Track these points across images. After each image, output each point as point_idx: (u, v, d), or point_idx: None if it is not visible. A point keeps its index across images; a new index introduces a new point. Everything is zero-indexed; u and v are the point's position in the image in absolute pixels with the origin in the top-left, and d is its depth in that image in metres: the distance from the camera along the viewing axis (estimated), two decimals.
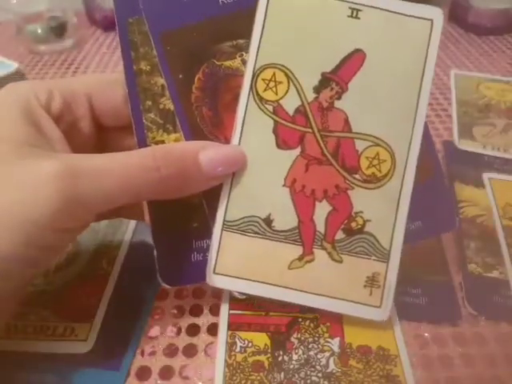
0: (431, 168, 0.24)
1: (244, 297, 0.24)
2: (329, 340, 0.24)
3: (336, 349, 0.23)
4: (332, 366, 0.23)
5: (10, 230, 0.17)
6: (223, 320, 0.25)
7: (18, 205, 0.17)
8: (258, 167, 0.22)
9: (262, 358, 0.23)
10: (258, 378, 0.22)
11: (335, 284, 0.22)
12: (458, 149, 0.37)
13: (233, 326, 0.24)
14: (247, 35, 0.21)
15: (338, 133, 0.22)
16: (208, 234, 0.22)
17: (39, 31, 0.53)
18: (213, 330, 0.25)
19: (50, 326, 0.24)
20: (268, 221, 0.22)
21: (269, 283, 0.22)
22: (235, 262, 0.22)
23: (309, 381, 0.22)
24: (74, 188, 0.17)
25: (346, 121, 0.22)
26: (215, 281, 0.22)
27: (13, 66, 0.45)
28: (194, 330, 0.25)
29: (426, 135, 0.23)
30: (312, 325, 0.24)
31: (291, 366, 0.23)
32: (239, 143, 0.22)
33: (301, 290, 0.22)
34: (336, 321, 0.25)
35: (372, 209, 0.22)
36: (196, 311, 0.26)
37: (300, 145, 0.22)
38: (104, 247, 0.29)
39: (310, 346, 0.23)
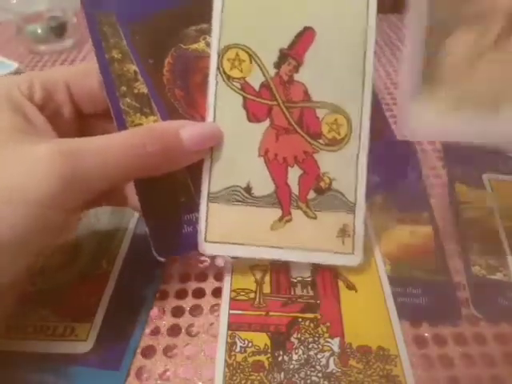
0: (383, 128, 0.27)
1: (235, 259, 0.27)
2: (329, 340, 0.24)
3: (336, 349, 0.23)
4: (332, 366, 0.23)
5: (13, 212, 0.17)
6: (223, 320, 0.25)
7: (20, 187, 0.17)
8: (234, 141, 0.24)
9: (262, 358, 0.23)
10: (258, 378, 0.22)
11: (313, 238, 0.25)
12: (458, 149, 0.37)
13: (233, 326, 0.24)
14: (209, 19, 0.23)
15: (300, 103, 0.24)
16: (195, 207, 0.24)
17: (39, 31, 0.53)
18: (213, 330, 0.25)
19: (49, 326, 0.24)
20: (248, 189, 0.24)
21: (255, 244, 0.24)
22: (223, 230, 0.24)
23: (309, 381, 0.22)
24: (73, 167, 0.18)
25: (306, 92, 0.24)
26: (207, 248, 0.24)
27: (13, 65, 0.45)
28: (193, 330, 0.25)
29: (376, 100, 0.25)
30: (312, 325, 0.24)
31: (291, 366, 0.23)
32: (214, 120, 0.23)
33: (284, 248, 0.24)
34: (336, 321, 0.25)
35: (336, 168, 0.25)
36: (196, 311, 0.26)
37: (268, 117, 0.24)
38: (104, 247, 0.29)
39: (310, 346, 0.23)
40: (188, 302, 0.26)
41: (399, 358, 0.23)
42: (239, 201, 0.24)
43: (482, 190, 0.33)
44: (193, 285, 0.27)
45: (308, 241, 0.25)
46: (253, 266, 0.27)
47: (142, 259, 0.28)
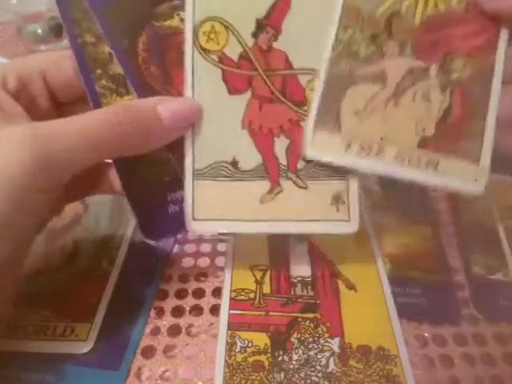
0: None
1: (226, 237, 0.27)
2: (329, 340, 0.24)
3: (336, 349, 0.23)
4: (332, 366, 0.23)
5: None
6: (223, 320, 0.25)
7: None
8: (215, 115, 0.23)
9: (262, 357, 0.23)
10: (258, 377, 0.22)
11: (305, 208, 0.24)
12: None
13: (233, 326, 0.24)
14: None
15: (281, 71, 0.23)
16: (180, 185, 0.24)
17: (39, 31, 0.53)
18: (213, 330, 0.25)
19: (50, 326, 0.24)
20: (234, 163, 0.23)
21: (245, 220, 0.23)
22: (211, 207, 0.23)
23: (309, 381, 0.22)
24: (44, 147, 0.18)
25: (287, 59, 0.23)
26: (195, 227, 0.24)
27: None
28: (193, 330, 0.25)
29: None
30: (312, 325, 0.24)
31: (291, 366, 0.23)
32: (193, 96, 0.23)
33: (275, 220, 0.24)
34: (336, 321, 0.25)
35: None
36: (196, 311, 0.26)
37: (250, 88, 0.23)
38: (104, 247, 0.29)
39: (310, 346, 0.23)
40: (188, 302, 0.26)
41: (399, 357, 0.23)
42: (226, 176, 0.23)
43: None
44: (193, 285, 0.27)
45: (300, 211, 0.24)
46: (253, 265, 0.27)
47: (142, 259, 0.28)
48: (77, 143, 0.19)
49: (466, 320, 0.25)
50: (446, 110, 0.22)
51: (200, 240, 0.30)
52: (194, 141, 0.23)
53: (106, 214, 0.31)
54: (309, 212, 0.24)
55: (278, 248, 0.29)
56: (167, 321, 0.25)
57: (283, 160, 0.24)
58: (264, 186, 0.24)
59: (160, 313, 0.26)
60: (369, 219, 0.30)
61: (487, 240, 0.30)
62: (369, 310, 0.25)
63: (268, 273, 0.27)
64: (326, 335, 0.24)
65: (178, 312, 0.26)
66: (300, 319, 0.25)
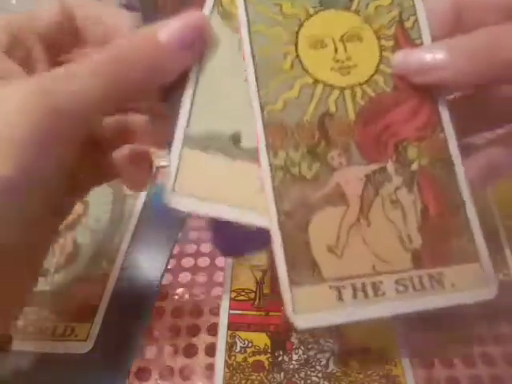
0: None
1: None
2: (329, 340, 0.24)
3: (336, 349, 0.23)
4: (332, 366, 0.23)
5: None
6: (223, 320, 0.25)
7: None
8: (226, 77, 0.19)
9: (262, 358, 0.23)
10: (258, 378, 0.22)
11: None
12: None
13: (233, 326, 0.24)
14: None
15: None
16: None
17: None
18: (213, 329, 0.25)
19: (50, 326, 0.24)
20: (235, 138, 0.19)
21: (238, 206, 0.19)
22: (197, 182, 0.19)
23: (309, 381, 0.22)
24: (50, 98, 0.17)
25: None
26: (173, 200, 0.19)
27: None
28: (194, 329, 0.25)
29: None
30: None
31: (291, 366, 0.23)
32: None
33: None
34: None
35: None
36: (196, 311, 0.26)
37: None
38: (104, 247, 0.29)
39: (309, 346, 0.24)
40: (188, 302, 0.26)
41: (399, 357, 0.23)
42: (221, 151, 0.19)
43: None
44: (193, 284, 0.27)
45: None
46: (253, 266, 0.27)
47: (143, 259, 0.28)
48: (81, 93, 0.17)
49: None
50: (422, 210, 0.19)
51: (200, 240, 0.30)
52: (194, 100, 0.19)
53: (106, 214, 0.31)
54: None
55: None
56: (167, 321, 0.25)
57: None
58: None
59: (160, 313, 0.26)
60: None
61: (488, 239, 0.29)
62: None
63: (268, 273, 0.27)
64: (326, 335, 0.24)
65: (178, 312, 0.26)
66: None
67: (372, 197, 0.19)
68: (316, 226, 0.18)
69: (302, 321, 0.17)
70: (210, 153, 0.19)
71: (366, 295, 0.18)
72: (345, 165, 0.19)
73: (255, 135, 0.19)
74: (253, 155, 0.19)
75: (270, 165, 0.18)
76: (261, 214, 0.18)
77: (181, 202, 0.19)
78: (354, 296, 0.18)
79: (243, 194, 0.19)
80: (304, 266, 0.18)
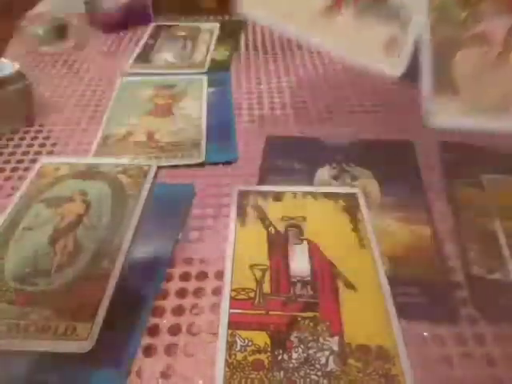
0: None
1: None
2: (328, 339, 0.24)
3: (335, 348, 0.24)
4: (331, 365, 0.23)
5: None
6: (223, 319, 0.25)
7: None
8: None
9: (262, 356, 0.23)
10: (258, 376, 0.22)
11: (358, 38, 0.25)
12: (457, 150, 0.37)
13: (233, 325, 0.24)
14: None
15: None
16: None
17: (40, 32, 0.53)
18: (213, 329, 0.25)
19: (51, 325, 0.24)
20: None
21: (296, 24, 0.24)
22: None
23: (308, 379, 0.22)
24: None
25: None
26: (245, 13, 0.25)
27: (13, 66, 0.45)
28: (194, 329, 0.25)
29: None
30: (311, 324, 0.25)
31: (291, 365, 0.23)
32: None
33: (327, 36, 0.25)
34: (335, 320, 0.25)
35: None
36: (196, 310, 0.26)
37: None
38: (105, 246, 0.29)
39: (309, 345, 0.24)
40: (188, 301, 0.26)
41: (398, 357, 0.23)
42: None
43: (481, 190, 0.33)
44: (193, 284, 0.27)
45: (354, 37, 0.25)
46: (253, 265, 0.28)
47: (143, 259, 0.29)
48: None
49: (465, 320, 0.25)
50: None
51: (200, 240, 0.30)
52: None
53: (107, 214, 0.31)
54: (361, 42, 0.25)
55: (278, 247, 0.29)
56: (168, 320, 0.25)
57: None
58: (327, 1, 0.24)
59: (161, 312, 0.26)
60: (368, 219, 0.31)
61: (486, 240, 0.30)
62: (368, 309, 0.25)
63: (268, 272, 0.27)
64: (326, 334, 0.24)
65: (178, 311, 0.26)
66: (300, 318, 0.25)
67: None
68: (461, 57, 0.23)
69: (437, 121, 0.23)
70: None
71: (493, 114, 0.23)
72: (491, 15, 0.22)
73: None
74: None
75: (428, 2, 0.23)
76: None
77: (249, 14, 0.25)
78: (484, 113, 0.23)
79: (303, 14, 0.24)
80: (446, 83, 0.23)
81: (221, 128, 0.40)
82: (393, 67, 0.25)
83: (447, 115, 0.23)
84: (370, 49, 0.25)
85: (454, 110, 0.23)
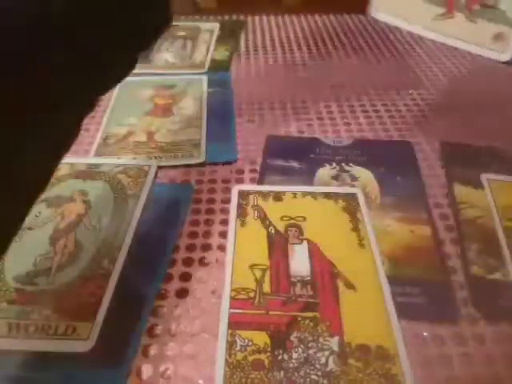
0: None
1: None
2: (328, 339, 0.24)
3: (335, 347, 0.24)
4: (331, 365, 0.23)
5: None
6: (223, 319, 0.25)
7: None
8: None
9: (262, 356, 0.23)
10: (258, 376, 0.22)
11: (469, 34, 0.34)
12: (457, 149, 0.37)
13: (233, 325, 0.24)
14: None
15: None
16: None
17: None
18: (213, 329, 0.25)
19: (51, 325, 0.24)
20: None
21: (416, 25, 0.36)
22: (396, 6, 0.35)
23: (308, 379, 0.22)
24: None
25: None
26: (375, 15, 0.37)
27: None
28: (194, 328, 0.25)
29: None
30: (311, 324, 0.25)
31: (291, 365, 0.23)
32: None
33: (440, 33, 0.35)
34: (335, 320, 0.25)
35: None
36: (196, 310, 0.26)
37: None
38: (105, 246, 0.29)
39: (309, 345, 0.24)
40: (188, 301, 0.26)
41: (398, 357, 0.23)
42: None
43: (481, 190, 0.33)
44: (193, 284, 0.27)
45: (465, 34, 0.33)
46: (253, 265, 0.28)
47: (144, 259, 0.29)
48: None
49: (465, 320, 0.26)
50: None
51: (200, 239, 0.30)
52: None
53: (107, 214, 0.31)
54: (471, 37, 0.34)
55: (278, 247, 0.29)
56: (168, 320, 0.25)
57: (462, 0, 0.33)
58: (439, 10, 0.35)
59: (161, 312, 0.26)
60: (368, 219, 0.31)
61: (486, 240, 0.30)
62: (368, 309, 0.25)
63: (268, 272, 0.27)
64: (326, 334, 0.24)
65: (178, 311, 0.26)
66: (299, 318, 0.25)
67: None
68: None
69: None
70: None
71: None
72: None
73: None
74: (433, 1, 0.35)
75: None
76: None
77: (381, 17, 0.36)
78: None
79: (422, 19, 0.35)
80: None
81: (221, 128, 0.40)
82: (501, 54, 0.34)
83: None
84: (481, 41, 0.33)
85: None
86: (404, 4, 0.34)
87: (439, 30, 0.35)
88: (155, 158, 0.37)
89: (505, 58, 0.34)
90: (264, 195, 0.33)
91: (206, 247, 0.30)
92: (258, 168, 0.36)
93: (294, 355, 0.23)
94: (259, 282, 0.27)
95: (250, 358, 0.23)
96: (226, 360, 0.23)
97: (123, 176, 0.34)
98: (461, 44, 0.34)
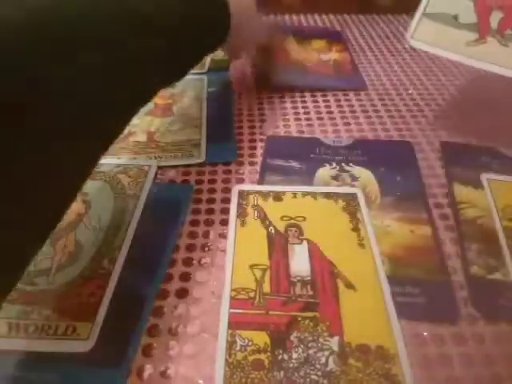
0: None
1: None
2: (328, 339, 0.24)
3: (335, 347, 0.24)
4: (331, 365, 0.23)
5: None
6: (223, 319, 0.25)
7: None
8: None
9: (262, 356, 0.23)
10: (258, 376, 0.22)
11: (502, 58, 0.34)
12: (457, 149, 0.37)
13: (233, 325, 0.24)
14: None
15: None
16: None
17: None
18: (213, 329, 0.25)
19: (51, 325, 0.24)
20: (455, 17, 0.35)
21: (452, 51, 0.36)
22: (428, 36, 0.36)
23: (308, 379, 0.22)
24: None
25: None
26: (414, 43, 0.37)
27: None
28: (194, 328, 0.25)
29: None
30: (311, 324, 0.25)
31: (291, 365, 0.23)
32: None
33: (475, 58, 0.35)
34: (335, 320, 0.25)
35: None
36: (197, 310, 0.26)
37: None
38: (105, 247, 0.29)
39: (309, 345, 0.24)
40: (188, 301, 0.26)
41: (398, 356, 0.23)
42: (445, 22, 0.35)
43: (481, 190, 0.33)
44: (193, 284, 0.27)
45: (498, 59, 0.34)
46: (253, 265, 0.28)
47: (144, 259, 0.29)
48: None
49: (465, 319, 0.26)
50: None
51: (200, 239, 0.30)
52: None
53: (107, 213, 0.31)
54: (504, 61, 0.34)
55: (278, 247, 0.29)
56: (168, 320, 0.25)
57: (494, 26, 0.34)
58: (473, 36, 0.35)
59: (161, 312, 0.26)
60: (368, 219, 0.31)
61: (486, 240, 0.30)
62: (368, 309, 0.25)
63: (268, 272, 0.27)
64: (326, 334, 0.24)
65: (178, 311, 0.26)
66: (299, 318, 0.25)
67: None
68: None
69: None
70: (437, 22, 0.36)
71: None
72: None
73: (468, 17, 0.35)
74: (465, 27, 0.35)
75: None
76: None
77: (418, 45, 0.37)
78: None
79: (456, 45, 0.35)
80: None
81: (221, 128, 0.40)
82: None
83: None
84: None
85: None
86: (438, 31, 0.36)
87: (472, 56, 0.35)
88: (155, 158, 0.37)
89: None
90: (264, 195, 0.33)
91: (206, 247, 0.30)
92: (258, 168, 0.36)
93: (294, 355, 0.23)
94: (259, 282, 0.27)
95: (250, 358, 0.23)
96: (226, 360, 0.23)
97: (123, 176, 0.34)
98: (494, 68, 0.35)
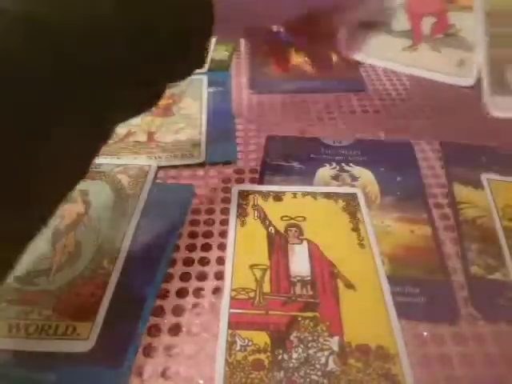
0: None
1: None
2: (328, 339, 0.24)
3: (335, 347, 0.24)
4: (331, 365, 0.23)
5: None
6: (223, 319, 0.25)
7: None
8: None
9: (262, 356, 0.23)
10: (258, 376, 0.22)
11: (435, 63, 0.36)
12: (457, 149, 0.37)
13: (233, 325, 0.24)
14: None
15: None
16: None
17: None
18: (213, 329, 0.25)
19: (51, 325, 0.24)
20: (388, 24, 0.37)
21: (388, 59, 0.38)
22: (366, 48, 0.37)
23: (308, 379, 0.22)
24: None
25: None
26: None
27: None
28: (194, 328, 0.25)
29: None
30: (311, 324, 0.25)
31: (291, 365, 0.23)
32: None
33: (409, 65, 0.37)
34: (335, 320, 0.25)
35: (462, 22, 0.36)
36: (197, 310, 0.26)
37: None
38: (105, 247, 0.29)
39: (309, 345, 0.24)
40: (188, 301, 0.26)
41: (398, 356, 0.23)
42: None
43: (481, 190, 0.33)
44: (193, 284, 0.27)
45: (431, 64, 0.36)
46: (253, 265, 0.28)
47: (144, 258, 0.29)
48: None
49: (465, 319, 0.26)
50: None
51: (200, 239, 0.30)
52: None
53: (107, 213, 0.31)
54: (437, 66, 0.36)
55: (278, 247, 0.29)
56: (168, 320, 0.25)
57: (427, 32, 0.36)
58: (407, 42, 0.37)
59: (161, 312, 0.26)
60: (368, 219, 0.31)
61: (486, 240, 0.30)
62: (368, 309, 0.25)
63: (268, 272, 0.27)
64: (326, 334, 0.24)
65: (178, 311, 0.26)
66: (300, 318, 0.25)
67: None
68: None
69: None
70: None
71: None
72: None
73: (400, 24, 0.38)
74: (399, 34, 0.37)
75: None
76: None
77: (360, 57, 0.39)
78: None
79: (391, 52, 0.37)
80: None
81: (221, 128, 0.40)
82: (465, 79, 0.36)
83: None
84: (446, 68, 0.35)
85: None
86: (374, 40, 0.36)
87: (406, 62, 0.36)
88: (155, 158, 0.37)
89: (468, 82, 0.36)
90: (264, 195, 0.33)
91: (206, 247, 0.30)
92: (258, 168, 0.36)
93: (294, 355, 0.23)
94: (259, 282, 0.27)
95: (250, 358, 0.23)
96: (226, 360, 0.23)
97: (123, 176, 0.34)
98: (427, 74, 0.36)
